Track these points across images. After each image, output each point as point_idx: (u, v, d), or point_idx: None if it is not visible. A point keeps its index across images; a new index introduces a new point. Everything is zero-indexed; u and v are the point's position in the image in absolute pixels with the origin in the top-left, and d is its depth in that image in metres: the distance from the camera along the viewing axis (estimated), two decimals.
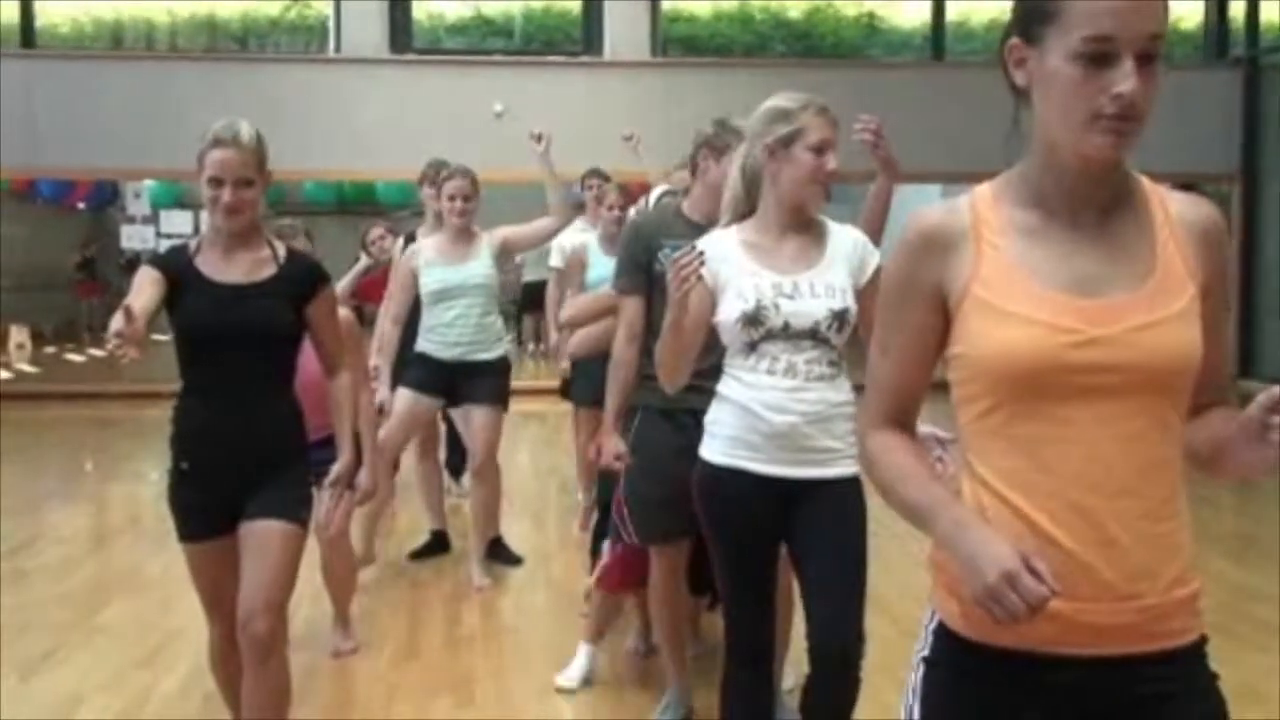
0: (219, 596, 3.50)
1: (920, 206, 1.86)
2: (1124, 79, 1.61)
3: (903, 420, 1.89)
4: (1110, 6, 1.61)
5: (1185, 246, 1.75)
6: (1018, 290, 1.70)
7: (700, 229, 3.79)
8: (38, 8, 13.09)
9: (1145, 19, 1.62)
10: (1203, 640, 1.78)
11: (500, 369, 5.89)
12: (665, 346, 3.18)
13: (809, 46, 14.26)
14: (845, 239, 3.28)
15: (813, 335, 3.14)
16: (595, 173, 7.34)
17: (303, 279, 3.49)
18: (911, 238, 1.80)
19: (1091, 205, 1.74)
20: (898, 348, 1.85)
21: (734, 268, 3.17)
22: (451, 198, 5.70)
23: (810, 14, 14.47)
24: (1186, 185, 14.13)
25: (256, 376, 3.43)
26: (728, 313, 3.15)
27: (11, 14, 12.99)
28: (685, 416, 3.72)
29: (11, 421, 11.32)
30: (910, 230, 1.81)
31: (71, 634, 5.21)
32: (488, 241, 5.78)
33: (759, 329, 3.12)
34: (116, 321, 2.96)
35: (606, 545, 4.50)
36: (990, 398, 1.73)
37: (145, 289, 3.31)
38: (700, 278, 3.03)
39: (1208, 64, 14.00)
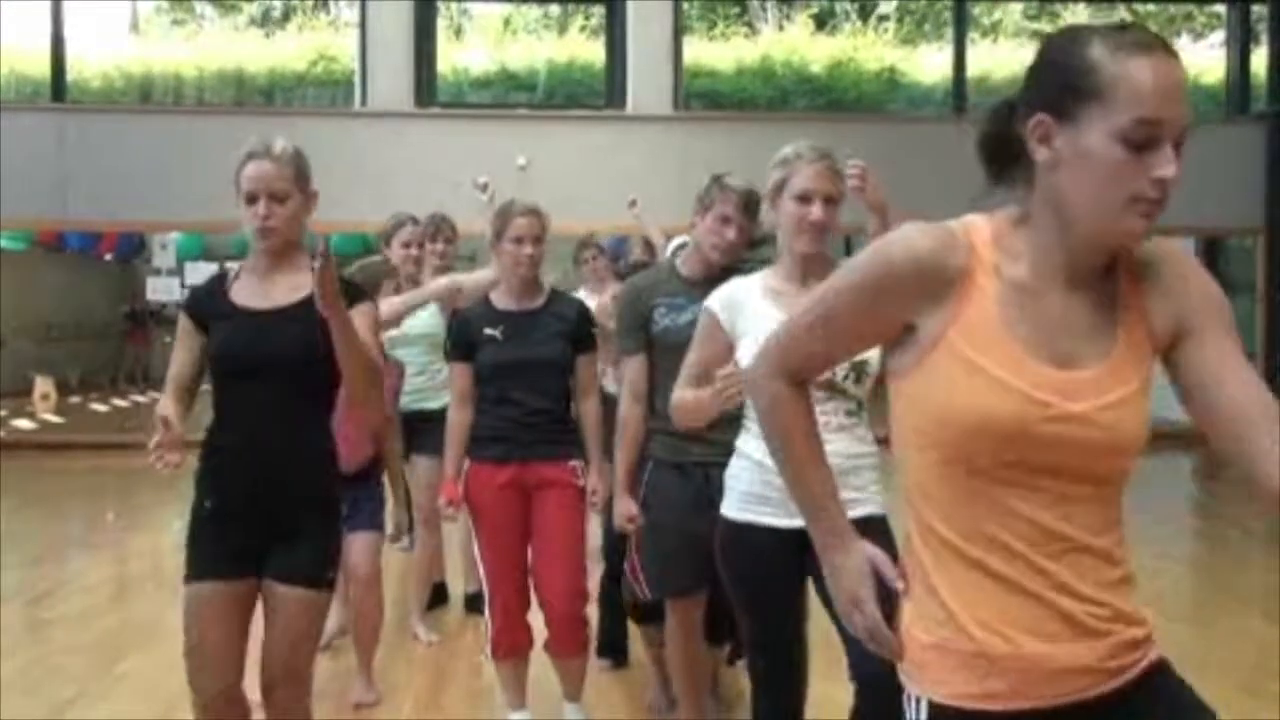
0: (206, 658, 3.20)
1: (912, 223, 1.80)
2: (1166, 164, 1.60)
3: (802, 378, 1.94)
4: (1161, 91, 1.60)
5: (1147, 299, 1.74)
6: (997, 350, 1.68)
7: (693, 285, 3.92)
8: (69, 62, 13.28)
9: (1185, 106, 1.62)
10: (1162, 660, 1.81)
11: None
12: (689, 411, 3.20)
13: (831, 101, 14.34)
14: None
15: (829, 386, 3.09)
16: (589, 244, 7.25)
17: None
18: (899, 258, 1.74)
19: (1088, 276, 1.73)
20: (835, 330, 1.85)
21: (753, 314, 3.15)
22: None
23: (832, 68, 14.56)
24: (1211, 240, 14.14)
25: (287, 410, 3.20)
26: (744, 359, 3.10)
27: (43, 68, 13.19)
28: (694, 469, 3.75)
29: (36, 471, 11.37)
30: (900, 249, 1.74)
31: (92, 684, 5.20)
32: None
33: None
34: (156, 432, 2.94)
35: (487, 614, 4.37)
36: (949, 449, 1.72)
37: (179, 354, 3.27)
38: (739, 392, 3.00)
39: (1231, 119, 14.02)
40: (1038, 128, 1.68)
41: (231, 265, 3.46)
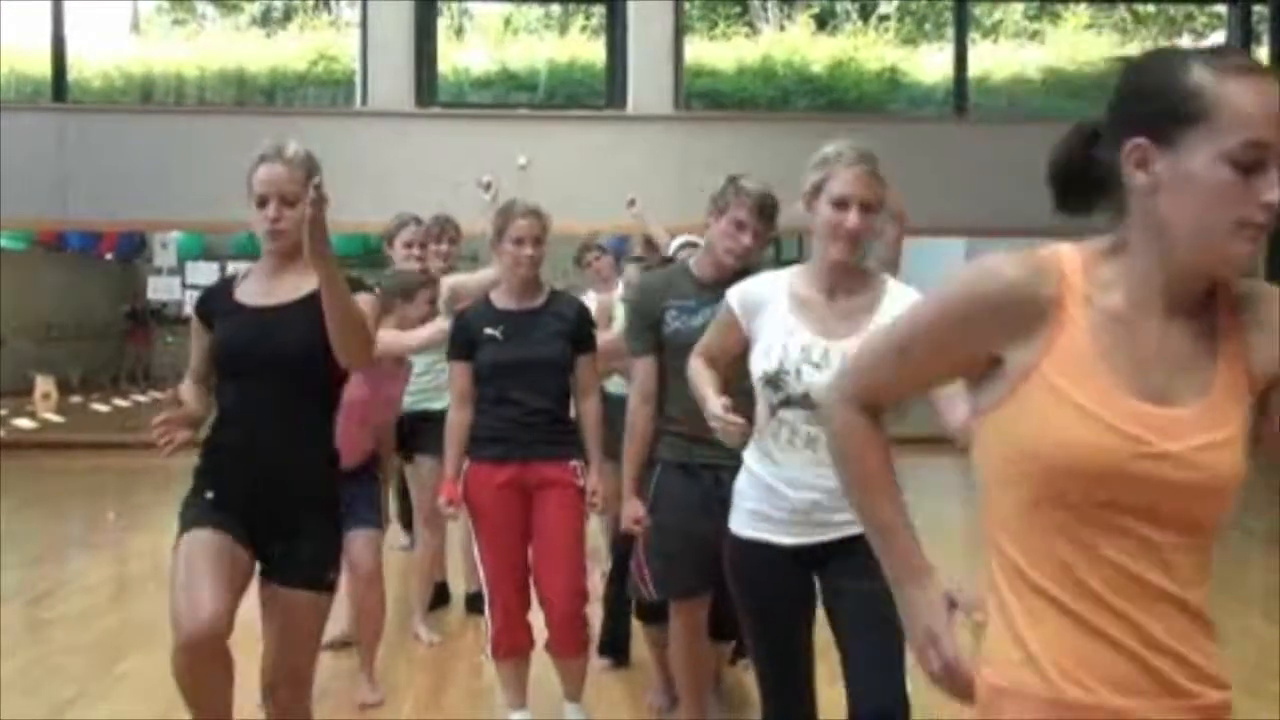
0: (195, 593, 3.03)
1: (992, 254, 1.72)
2: (1272, 187, 1.57)
3: (878, 407, 1.87)
4: (1269, 113, 1.57)
5: (1247, 335, 1.68)
6: (1090, 383, 1.62)
7: (705, 287, 3.87)
8: (70, 61, 13.28)
9: None
10: None
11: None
12: (694, 388, 3.21)
13: (832, 101, 14.32)
14: (903, 304, 3.02)
15: None
16: (591, 245, 7.25)
17: None
18: (988, 289, 1.67)
19: (1186, 306, 1.67)
20: (913, 361, 1.79)
21: (771, 319, 3.05)
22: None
23: (833, 68, 14.55)
24: None
25: (289, 408, 3.19)
26: (754, 366, 3.06)
27: (44, 67, 13.18)
28: (703, 471, 3.74)
29: (36, 470, 11.37)
30: (989, 280, 1.68)
31: (92, 684, 5.20)
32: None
33: (778, 393, 3.00)
34: (167, 410, 2.99)
35: (487, 614, 4.38)
36: (1038, 485, 1.65)
37: (194, 352, 3.31)
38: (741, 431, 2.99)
39: None
40: (1134, 152, 1.63)
41: (232, 265, 3.46)
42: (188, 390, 3.27)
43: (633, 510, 4.03)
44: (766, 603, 3.14)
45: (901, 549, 1.84)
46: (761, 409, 3.06)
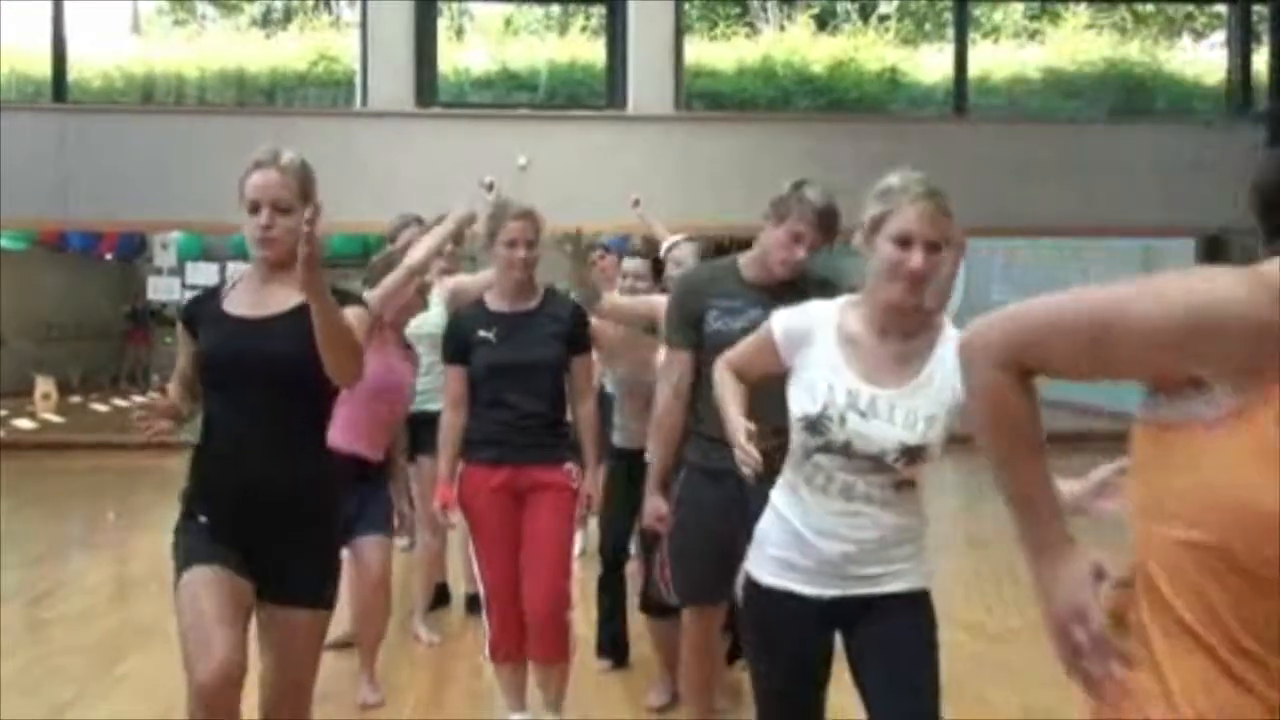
0: (208, 632, 2.94)
1: (1221, 269, 1.53)
2: None
3: (1029, 371, 1.68)
4: None
5: None
6: None
7: (752, 289, 3.73)
8: (70, 61, 13.28)
9: None
10: None
11: None
12: (719, 395, 2.98)
13: (832, 101, 14.33)
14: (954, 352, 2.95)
15: (877, 462, 2.73)
16: (594, 245, 7.24)
17: None
18: (1231, 314, 1.47)
19: None
20: (1102, 353, 1.60)
21: (816, 355, 2.79)
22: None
23: (833, 69, 14.55)
24: (1212, 240, 14.12)
25: (277, 417, 3.08)
26: (793, 405, 2.79)
27: (44, 68, 13.19)
28: (728, 476, 3.50)
29: (36, 471, 11.37)
30: (1235, 304, 1.47)
31: (92, 684, 5.20)
32: (438, 291, 5.74)
33: (816, 438, 2.75)
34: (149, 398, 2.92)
35: (485, 619, 4.37)
36: (1208, 534, 1.51)
37: (180, 358, 3.24)
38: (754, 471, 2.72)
39: (1232, 118, 14.01)
40: None
41: (232, 265, 3.42)
42: (174, 390, 3.22)
43: (655, 507, 3.95)
44: (785, 661, 2.89)
45: (1044, 520, 1.69)
46: (796, 445, 2.83)
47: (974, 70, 14.07)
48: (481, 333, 4.28)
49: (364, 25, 13.22)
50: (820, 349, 2.78)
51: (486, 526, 4.30)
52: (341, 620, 4.96)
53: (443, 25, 13.80)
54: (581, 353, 4.38)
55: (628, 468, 4.87)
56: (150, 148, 12.42)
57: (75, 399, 18.27)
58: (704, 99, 14.07)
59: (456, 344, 4.35)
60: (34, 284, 18.69)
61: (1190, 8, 15.84)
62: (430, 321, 5.68)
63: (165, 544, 3.20)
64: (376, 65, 13.08)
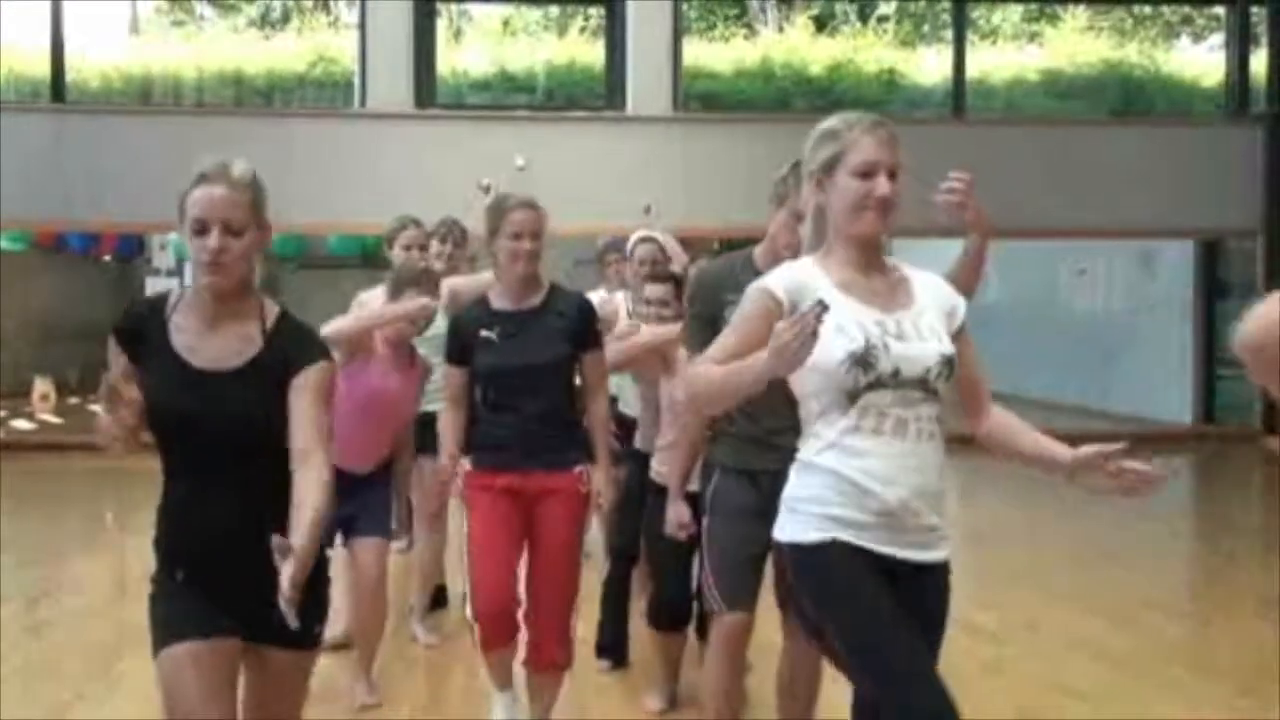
0: None
1: None
2: None
3: None
4: None
5: None
6: None
7: None
8: (68, 62, 13.28)
9: None
10: None
11: None
12: (726, 388, 2.68)
13: (830, 102, 14.33)
14: (929, 282, 2.85)
15: (922, 385, 2.66)
16: (614, 246, 7.21)
17: (288, 357, 2.75)
18: None
19: None
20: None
21: (829, 300, 2.60)
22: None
23: (831, 70, 14.57)
24: (1211, 241, 14.13)
25: (242, 469, 2.75)
26: (829, 353, 2.60)
27: (43, 68, 13.19)
28: (763, 477, 3.47)
29: (34, 472, 11.37)
30: None
31: (90, 685, 5.19)
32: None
33: (868, 373, 2.62)
34: (102, 415, 2.64)
35: (468, 610, 4.21)
36: None
37: (114, 365, 2.87)
38: (816, 335, 2.45)
39: (1230, 120, 14.02)
40: None
41: None
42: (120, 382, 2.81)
43: (678, 515, 3.89)
44: (863, 581, 2.66)
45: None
46: (834, 398, 2.67)
47: (972, 72, 14.08)
48: (484, 333, 4.13)
49: (362, 26, 13.23)
50: (825, 297, 2.62)
51: (482, 514, 4.13)
52: (339, 621, 4.97)
53: (441, 26, 13.82)
54: (592, 349, 4.20)
55: (641, 470, 4.84)
56: (148, 148, 12.42)
57: (73, 400, 18.24)
58: (702, 100, 14.09)
59: (457, 345, 4.21)
60: (32, 285, 18.67)
61: (1188, 9, 15.85)
62: (432, 326, 5.67)
63: None
64: (375, 66, 13.09)
